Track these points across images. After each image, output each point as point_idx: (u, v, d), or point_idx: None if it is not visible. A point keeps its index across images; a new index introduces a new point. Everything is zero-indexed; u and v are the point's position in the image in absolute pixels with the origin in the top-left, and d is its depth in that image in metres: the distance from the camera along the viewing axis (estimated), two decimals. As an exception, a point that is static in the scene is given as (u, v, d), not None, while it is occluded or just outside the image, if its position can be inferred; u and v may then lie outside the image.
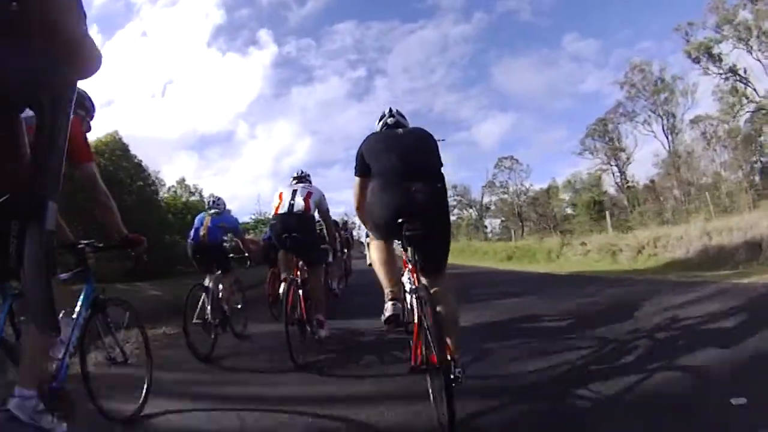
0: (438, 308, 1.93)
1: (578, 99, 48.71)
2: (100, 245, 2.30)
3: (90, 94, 2.30)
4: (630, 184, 30.92)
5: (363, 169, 2.44)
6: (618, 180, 32.14)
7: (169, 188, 17.78)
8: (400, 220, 2.10)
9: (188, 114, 61.47)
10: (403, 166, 2.22)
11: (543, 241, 17.64)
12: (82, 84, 2.29)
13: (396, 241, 2.34)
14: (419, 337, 2.09)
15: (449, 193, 2.58)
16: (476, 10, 61.47)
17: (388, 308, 2.09)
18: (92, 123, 2.35)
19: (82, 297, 2.11)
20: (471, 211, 41.91)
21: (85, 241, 2.23)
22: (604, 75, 49.47)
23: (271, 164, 58.68)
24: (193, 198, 16.38)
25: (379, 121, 2.69)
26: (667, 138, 28.28)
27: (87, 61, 0.70)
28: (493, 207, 41.14)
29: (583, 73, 52.69)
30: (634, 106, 29.25)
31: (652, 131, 28.86)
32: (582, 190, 33.88)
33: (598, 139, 32.42)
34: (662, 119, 28.33)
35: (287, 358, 3.06)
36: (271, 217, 3.79)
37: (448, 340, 2.00)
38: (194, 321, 3.74)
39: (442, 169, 2.36)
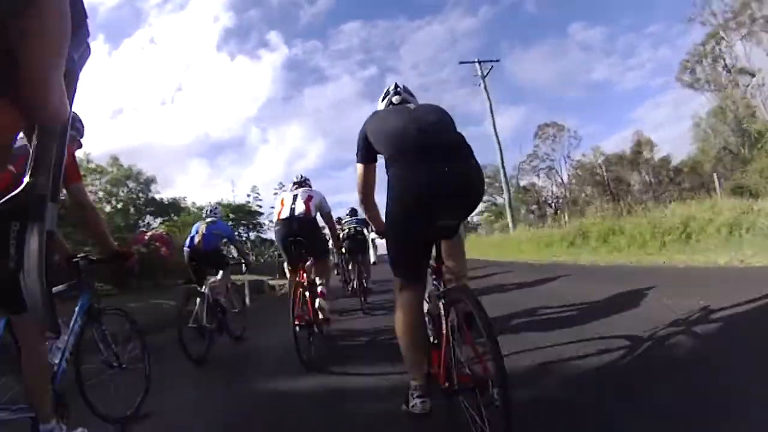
0: (475, 314, 1.46)
1: (589, 88, 47.92)
2: (94, 258, 2.38)
3: (80, 116, 2.40)
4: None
5: (368, 153, 2.02)
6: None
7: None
8: (433, 210, 1.67)
9: (199, 120, 60.56)
10: (428, 142, 1.74)
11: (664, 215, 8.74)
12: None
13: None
14: (448, 353, 1.60)
15: None
16: (482, 3, 61.30)
17: (417, 406, 1.66)
18: (83, 141, 2.43)
19: (78, 306, 2.19)
20: (504, 196, 36.53)
21: (81, 255, 2.31)
22: (612, 62, 48.36)
23: (284, 169, 58.43)
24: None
25: (383, 99, 2.26)
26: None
27: (55, 109, 0.66)
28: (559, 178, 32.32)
29: (592, 61, 51.78)
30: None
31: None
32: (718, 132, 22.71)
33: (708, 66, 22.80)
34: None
35: (288, 359, 3.07)
36: (275, 223, 3.86)
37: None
38: (190, 325, 3.78)
39: None
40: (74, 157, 2.12)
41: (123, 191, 23.06)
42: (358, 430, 2.02)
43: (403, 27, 62.50)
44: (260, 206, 30.25)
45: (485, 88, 21.95)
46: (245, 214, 27.36)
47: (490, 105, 21.85)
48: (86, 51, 0.82)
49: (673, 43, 44.18)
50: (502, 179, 22.32)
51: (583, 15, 54.32)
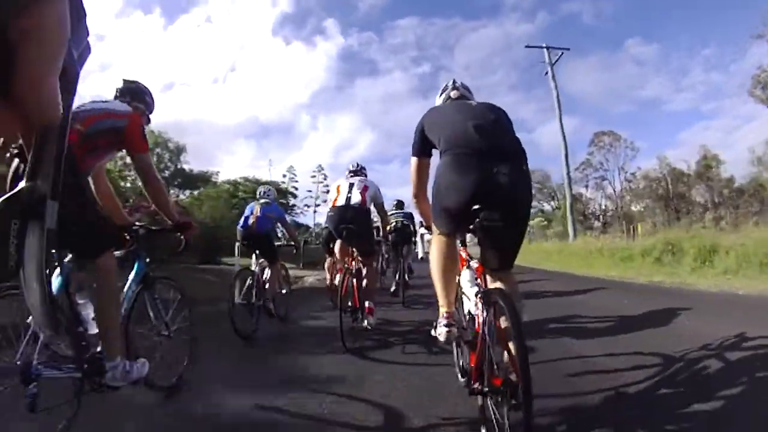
0: (509, 319, 1.46)
1: (638, 104, 47.09)
2: (153, 228, 2.44)
3: (150, 88, 2.46)
4: None
5: (424, 147, 2.06)
6: None
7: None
8: (476, 207, 1.67)
9: (250, 102, 61.41)
10: (482, 140, 1.76)
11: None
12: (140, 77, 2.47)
13: (461, 238, 1.98)
14: (482, 353, 1.62)
15: None
16: (539, 10, 59.41)
17: (442, 333, 1.77)
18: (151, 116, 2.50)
19: (133, 273, 2.24)
20: (552, 203, 33.54)
21: (140, 224, 2.38)
22: (663, 81, 47.01)
23: (330, 157, 58.10)
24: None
25: (441, 94, 2.27)
26: None
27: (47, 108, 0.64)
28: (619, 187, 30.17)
29: (644, 78, 50.41)
30: None
31: None
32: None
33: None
34: None
35: (328, 342, 3.22)
36: (329, 209, 3.91)
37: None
38: (240, 302, 3.90)
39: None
40: (142, 128, 2.16)
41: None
42: (391, 417, 2.03)
43: (459, 26, 62.42)
44: (296, 188, 30.02)
45: (553, 77, 19.56)
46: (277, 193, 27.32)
47: (557, 96, 19.61)
48: (86, 49, 0.80)
49: (725, 68, 43.28)
50: (565, 180, 20.04)
51: (641, 31, 54.37)
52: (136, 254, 2.29)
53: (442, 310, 1.82)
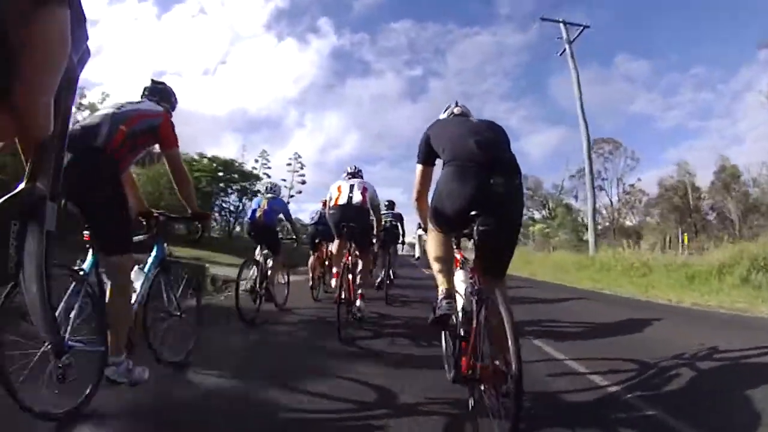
0: (503, 314, 1.59)
1: (627, 119, 46.49)
2: (173, 215, 2.57)
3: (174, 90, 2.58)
4: None
5: (428, 155, 2.23)
6: None
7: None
8: (473, 213, 1.84)
9: (239, 95, 60.70)
10: (482, 154, 1.92)
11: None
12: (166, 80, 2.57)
13: (455, 241, 2.17)
14: (476, 346, 1.76)
15: None
16: (532, 21, 57.47)
17: (442, 306, 1.93)
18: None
19: (152, 257, 2.37)
20: (543, 211, 32.17)
21: (159, 211, 2.51)
22: (653, 98, 46.71)
23: (316, 155, 57.70)
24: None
25: (445, 110, 2.49)
26: None
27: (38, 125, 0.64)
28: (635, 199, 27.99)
29: (633, 94, 49.87)
30: None
31: None
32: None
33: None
34: None
35: (322, 330, 3.61)
36: (329, 207, 4.13)
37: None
38: (244, 289, 4.06)
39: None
40: (173, 126, 2.28)
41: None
42: (383, 401, 2.17)
43: (453, 32, 62.13)
44: (268, 175, 27.95)
45: (572, 54, 16.79)
46: (238, 175, 22.98)
47: (577, 75, 16.89)
48: (86, 53, 0.81)
49: (714, 87, 44.41)
50: (588, 180, 16.88)
51: (630, 47, 54.37)
52: (156, 239, 2.42)
53: (442, 287, 1.99)
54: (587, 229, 29.09)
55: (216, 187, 21.26)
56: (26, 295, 0.64)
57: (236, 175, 22.81)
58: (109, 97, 18.81)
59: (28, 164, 0.69)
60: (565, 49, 17.17)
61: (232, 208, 23.64)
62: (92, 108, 19.97)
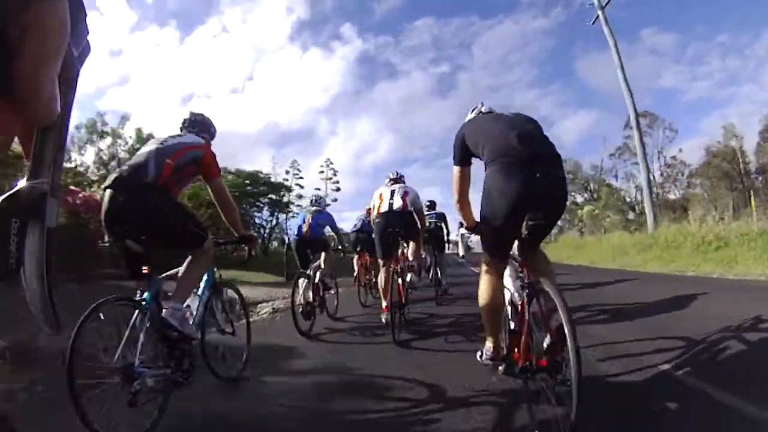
0: (557, 303, 1.60)
1: (656, 94, 43.59)
2: (220, 240, 2.70)
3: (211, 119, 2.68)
4: None
5: (465, 156, 2.23)
6: None
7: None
8: (523, 212, 1.89)
9: (269, 110, 60.24)
10: (524, 149, 1.91)
11: None
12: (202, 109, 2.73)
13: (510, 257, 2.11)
14: (528, 338, 1.79)
15: None
16: (555, 4, 55.52)
17: (488, 364, 2.08)
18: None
19: (204, 281, 2.50)
20: (585, 194, 30.63)
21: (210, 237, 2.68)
22: (680, 70, 44.37)
23: (352, 162, 56.62)
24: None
25: (472, 111, 2.49)
26: None
27: (45, 106, 0.63)
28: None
29: (661, 67, 47.48)
30: None
31: None
32: None
33: None
34: None
35: (375, 334, 3.73)
36: (374, 215, 4.19)
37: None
38: (299, 303, 4.17)
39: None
40: (214, 156, 2.40)
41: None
42: (435, 398, 2.22)
43: (476, 25, 61.35)
44: (301, 186, 27.20)
45: (605, 21, 15.49)
46: (267, 186, 21.75)
47: (615, 43, 15.60)
48: (86, 48, 0.81)
49: (741, 53, 41.12)
50: (639, 152, 15.40)
51: (655, 20, 51.39)
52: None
53: (489, 344, 2.01)
54: (633, 208, 27.58)
55: (245, 202, 20.16)
56: (27, 292, 0.62)
57: (264, 187, 21.92)
58: (142, 132, 19.62)
59: (29, 161, 0.68)
60: (597, 16, 15.98)
61: (264, 222, 22.65)
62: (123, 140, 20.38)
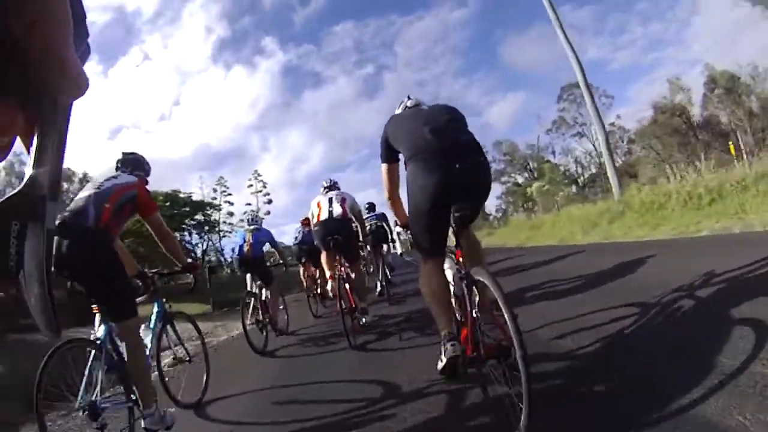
0: (493, 290, 1.61)
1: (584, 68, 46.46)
2: (165, 272, 2.77)
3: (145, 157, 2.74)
4: None
5: (390, 153, 2.24)
6: None
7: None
8: (447, 204, 1.88)
9: (199, 133, 57.32)
10: (439, 142, 1.92)
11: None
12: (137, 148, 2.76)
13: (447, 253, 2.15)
14: (474, 328, 1.78)
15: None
16: None
17: (448, 350, 1.85)
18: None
19: (154, 313, 2.59)
20: (524, 174, 30.88)
21: (153, 270, 2.71)
22: (602, 42, 45.72)
23: (286, 176, 54.87)
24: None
25: (399, 105, 2.49)
26: None
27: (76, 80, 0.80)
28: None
29: (584, 42, 48.98)
30: None
31: None
32: None
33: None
34: None
35: (332, 342, 3.72)
36: (313, 224, 4.21)
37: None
38: (250, 323, 4.22)
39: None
40: (148, 192, 2.47)
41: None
42: (398, 394, 2.26)
43: (396, 23, 62.09)
44: (230, 203, 25.65)
45: None
46: (189, 207, 20.45)
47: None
48: (86, 50, 0.85)
49: (662, 17, 42.05)
50: (591, 110, 13.82)
51: None
52: (155, 296, 2.63)
53: (444, 332, 1.94)
54: (576, 181, 27.69)
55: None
56: (27, 296, 0.74)
57: (187, 208, 20.56)
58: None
59: (29, 162, 0.81)
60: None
61: (193, 246, 21.29)
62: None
